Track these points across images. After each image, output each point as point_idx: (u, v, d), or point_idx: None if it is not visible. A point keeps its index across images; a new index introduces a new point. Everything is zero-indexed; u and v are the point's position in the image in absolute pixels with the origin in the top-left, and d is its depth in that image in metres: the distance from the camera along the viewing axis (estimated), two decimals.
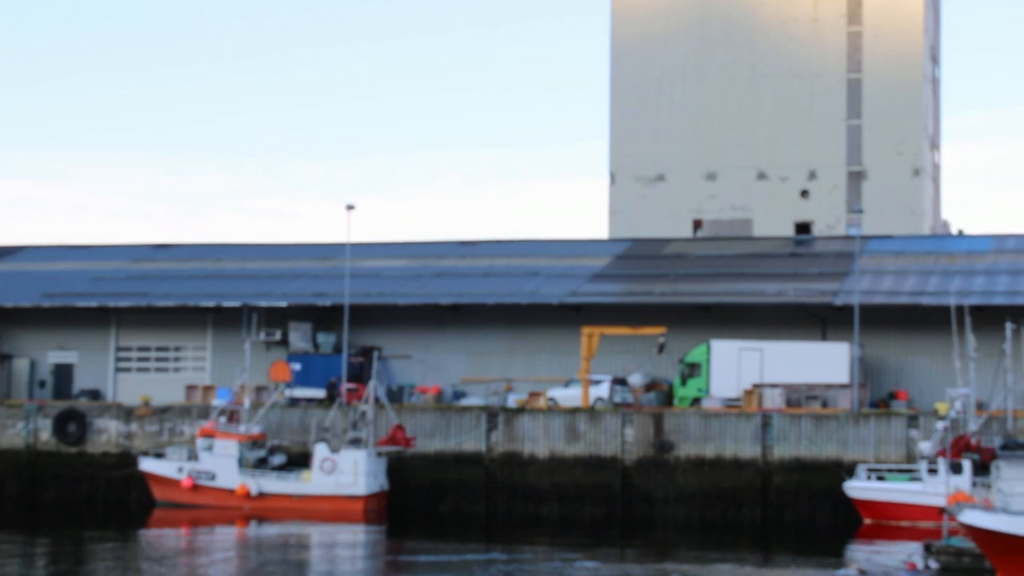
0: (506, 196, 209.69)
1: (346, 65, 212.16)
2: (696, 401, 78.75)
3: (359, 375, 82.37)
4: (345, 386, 79.59)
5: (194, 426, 78.87)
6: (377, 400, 74.87)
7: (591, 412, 75.82)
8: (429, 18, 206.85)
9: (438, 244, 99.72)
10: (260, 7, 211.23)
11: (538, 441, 75.59)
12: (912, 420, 72.26)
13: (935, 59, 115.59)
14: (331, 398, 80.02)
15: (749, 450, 73.18)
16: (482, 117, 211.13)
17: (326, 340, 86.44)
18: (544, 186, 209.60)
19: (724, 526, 70.92)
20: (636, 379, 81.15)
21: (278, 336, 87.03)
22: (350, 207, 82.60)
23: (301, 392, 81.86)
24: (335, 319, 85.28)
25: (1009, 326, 70.25)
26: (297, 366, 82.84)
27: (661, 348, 79.20)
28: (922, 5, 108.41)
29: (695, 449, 73.90)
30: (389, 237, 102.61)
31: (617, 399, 78.89)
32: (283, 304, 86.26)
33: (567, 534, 68.01)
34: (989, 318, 74.45)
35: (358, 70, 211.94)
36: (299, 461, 75.91)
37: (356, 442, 73.91)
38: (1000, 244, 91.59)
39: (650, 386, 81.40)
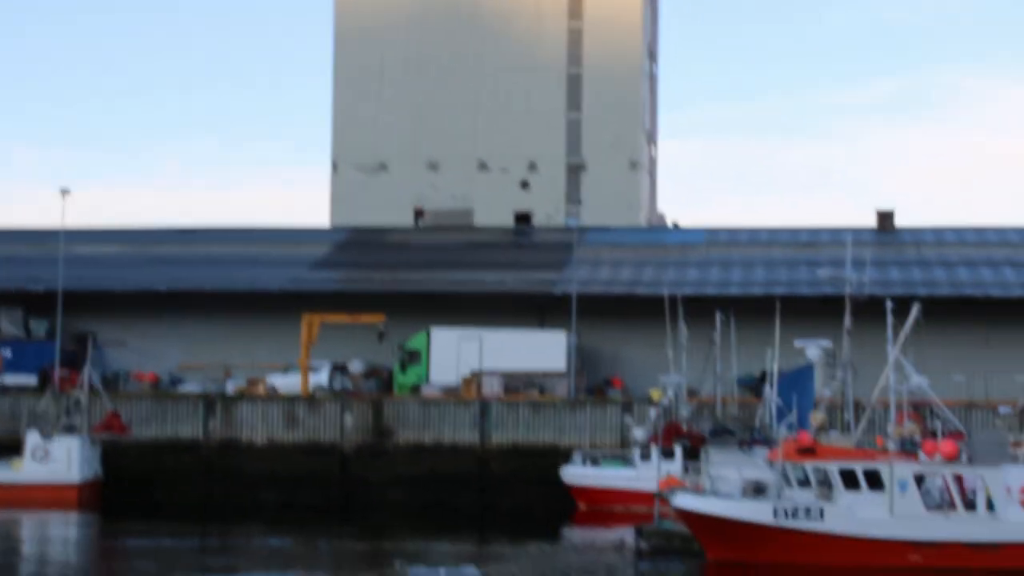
0: (227, 185, 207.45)
1: (64, 47, 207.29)
2: (416, 388, 79.11)
3: (73, 362, 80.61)
4: (58, 373, 77.86)
5: None
6: (92, 387, 73.42)
7: (310, 399, 75.60)
8: (152, 3, 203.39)
9: (156, 231, 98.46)
10: None
11: (256, 428, 75.13)
12: (626, 407, 73.77)
13: (653, 56, 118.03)
14: (43, 385, 78.18)
15: (468, 437, 73.84)
16: (202, 106, 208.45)
17: (38, 326, 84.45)
18: (265, 175, 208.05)
19: (442, 511, 71.40)
20: (355, 366, 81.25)
21: None
22: (65, 191, 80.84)
23: (12, 379, 79.77)
24: (49, 305, 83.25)
25: (719, 316, 72.09)
26: (8, 352, 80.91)
27: (381, 336, 79.37)
28: (640, 3, 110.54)
29: (414, 436, 74.30)
30: (106, 224, 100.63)
31: (337, 386, 78.82)
32: None
33: (284, 519, 67.76)
34: (701, 308, 76.05)
35: (77, 53, 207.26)
36: (11, 449, 73.93)
37: (70, 429, 72.36)
38: (712, 237, 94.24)
39: (370, 373, 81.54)
